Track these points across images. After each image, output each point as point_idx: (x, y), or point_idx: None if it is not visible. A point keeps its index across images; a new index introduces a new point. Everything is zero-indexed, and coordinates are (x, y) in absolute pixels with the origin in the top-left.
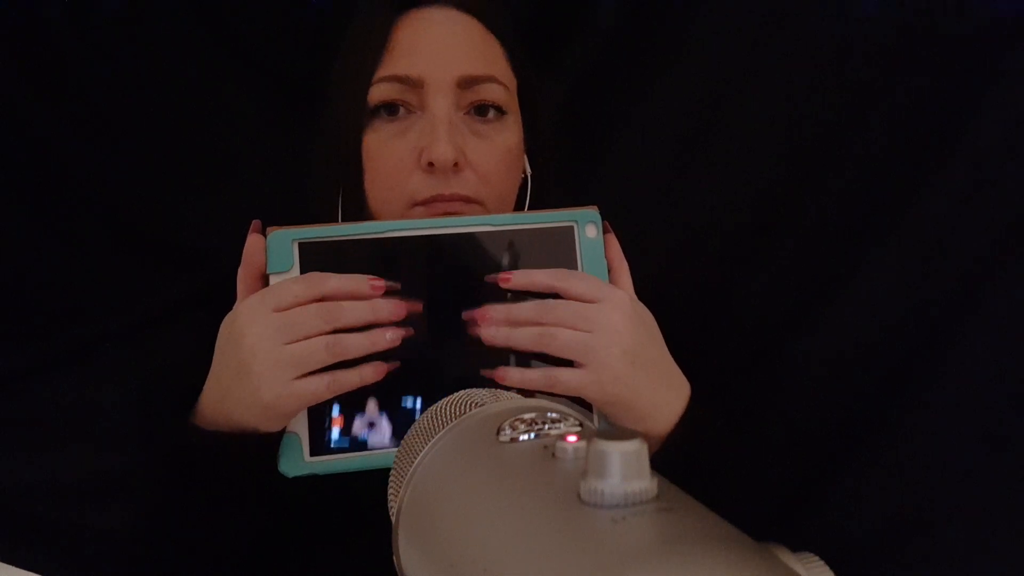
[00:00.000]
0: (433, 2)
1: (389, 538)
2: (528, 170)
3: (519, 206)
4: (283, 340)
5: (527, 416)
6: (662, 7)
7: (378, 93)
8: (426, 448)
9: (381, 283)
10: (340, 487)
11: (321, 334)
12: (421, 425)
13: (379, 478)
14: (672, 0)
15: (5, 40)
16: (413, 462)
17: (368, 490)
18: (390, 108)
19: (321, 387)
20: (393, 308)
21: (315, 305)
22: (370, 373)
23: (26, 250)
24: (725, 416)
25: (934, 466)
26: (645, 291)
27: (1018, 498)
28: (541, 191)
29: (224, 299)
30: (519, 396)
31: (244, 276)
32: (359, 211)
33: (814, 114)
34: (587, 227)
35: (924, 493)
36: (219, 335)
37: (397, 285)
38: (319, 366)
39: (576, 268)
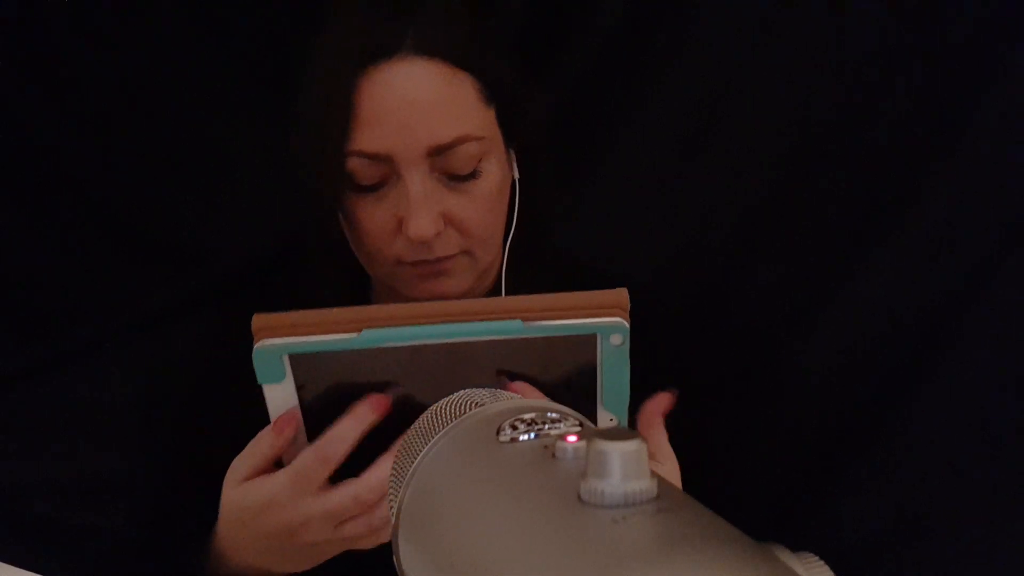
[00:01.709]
0: (394, 53)
1: (389, 538)
2: (516, 173)
3: (510, 210)
4: (334, 524)
5: (527, 416)
6: (663, 7)
7: (351, 167)
8: (426, 448)
9: (383, 403)
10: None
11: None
12: (421, 425)
13: None
14: (673, 0)
15: (5, 40)
16: (413, 462)
17: None
18: (365, 184)
19: (374, 543)
20: None
21: (350, 492)
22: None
23: (26, 250)
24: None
25: (934, 466)
26: (646, 292)
27: (1018, 499)
28: (532, 192)
29: (224, 299)
30: (519, 396)
31: (270, 446)
32: (342, 253)
33: (814, 115)
34: (611, 337)
35: (924, 493)
36: (241, 505)
37: (400, 390)
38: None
39: (596, 379)
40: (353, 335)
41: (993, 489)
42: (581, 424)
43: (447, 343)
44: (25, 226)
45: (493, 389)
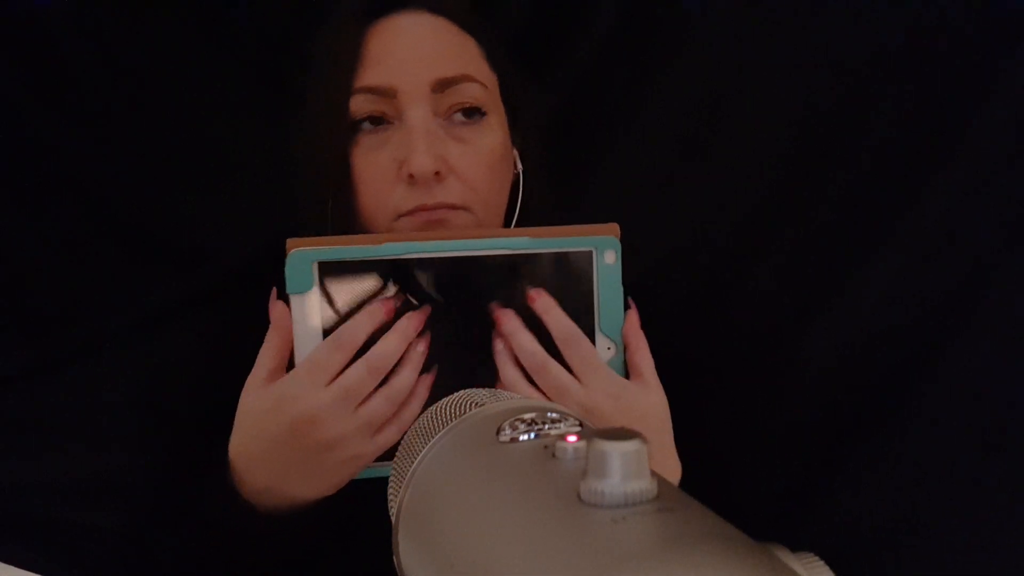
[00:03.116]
0: (403, 7)
1: (389, 538)
2: (519, 166)
3: (512, 203)
4: (350, 408)
5: (527, 416)
6: (663, 7)
7: (355, 105)
8: (426, 448)
9: (390, 303)
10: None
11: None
12: (421, 425)
13: (379, 479)
14: (672, 1)
15: (5, 40)
16: (413, 462)
17: (369, 490)
18: (370, 119)
19: (394, 435)
20: (415, 323)
21: (362, 365)
22: (423, 395)
23: (26, 250)
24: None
25: (934, 466)
26: (649, 287)
27: (1017, 498)
28: (532, 188)
29: (224, 299)
30: (519, 396)
31: (275, 343)
32: (348, 220)
33: (814, 115)
34: (606, 253)
35: (924, 493)
36: (258, 408)
37: (402, 297)
38: (386, 419)
39: (592, 294)
40: (376, 246)
41: (993, 489)
42: (581, 424)
43: (461, 255)
44: (25, 226)
45: (493, 389)
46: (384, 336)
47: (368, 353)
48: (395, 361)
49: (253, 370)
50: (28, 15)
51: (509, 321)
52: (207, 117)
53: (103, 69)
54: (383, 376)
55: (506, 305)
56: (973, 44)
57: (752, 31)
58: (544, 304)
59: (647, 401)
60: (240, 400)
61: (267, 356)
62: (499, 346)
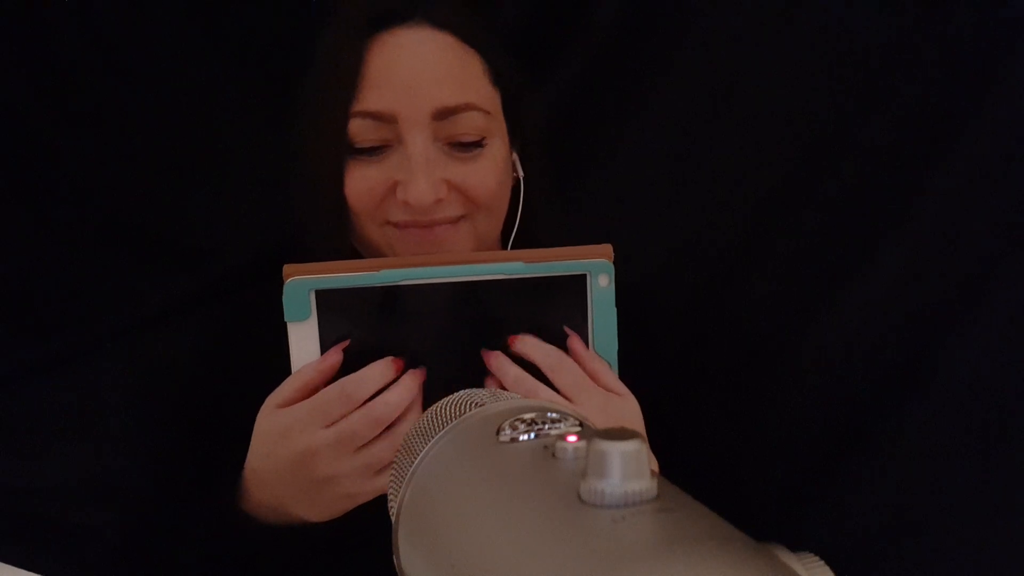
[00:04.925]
0: (405, 20)
1: (389, 538)
2: (520, 172)
3: (512, 209)
4: (350, 450)
5: (527, 416)
6: (662, 7)
7: (354, 128)
8: (426, 448)
9: (400, 361)
10: None
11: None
12: (421, 425)
13: None
14: (672, 2)
15: (5, 40)
16: (413, 462)
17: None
18: (369, 149)
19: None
20: (419, 378)
21: (364, 414)
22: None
23: (26, 250)
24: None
25: (934, 466)
26: (648, 290)
27: (1017, 498)
28: (534, 192)
29: (224, 298)
30: (519, 396)
31: (305, 378)
32: (341, 224)
33: (815, 116)
34: (599, 277)
35: (924, 493)
36: (267, 431)
37: (401, 362)
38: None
39: (587, 316)
40: (373, 273)
41: (993, 489)
42: (581, 424)
43: (457, 281)
44: (25, 226)
45: (493, 389)
46: (390, 389)
47: (372, 403)
48: (398, 414)
49: (274, 392)
50: (29, 15)
51: (495, 359)
52: (208, 117)
53: (104, 69)
54: (384, 427)
55: (499, 328)
56: (973, 44)
57: (751, 33)
58: (524, 345)
59: (629, 409)
60: (256, 420)
61: (291, 386)
62: (488, 384)
